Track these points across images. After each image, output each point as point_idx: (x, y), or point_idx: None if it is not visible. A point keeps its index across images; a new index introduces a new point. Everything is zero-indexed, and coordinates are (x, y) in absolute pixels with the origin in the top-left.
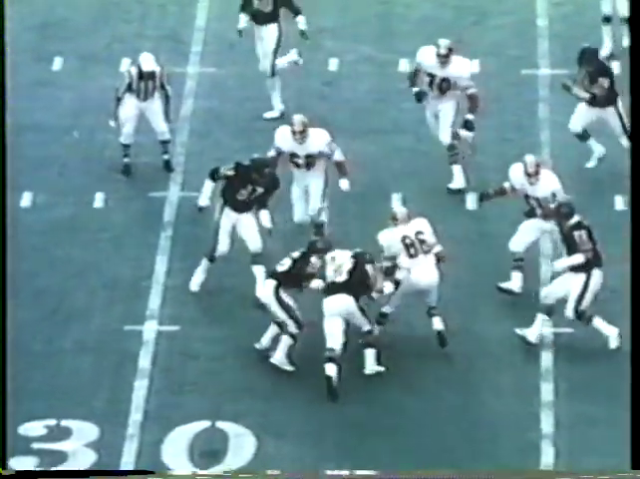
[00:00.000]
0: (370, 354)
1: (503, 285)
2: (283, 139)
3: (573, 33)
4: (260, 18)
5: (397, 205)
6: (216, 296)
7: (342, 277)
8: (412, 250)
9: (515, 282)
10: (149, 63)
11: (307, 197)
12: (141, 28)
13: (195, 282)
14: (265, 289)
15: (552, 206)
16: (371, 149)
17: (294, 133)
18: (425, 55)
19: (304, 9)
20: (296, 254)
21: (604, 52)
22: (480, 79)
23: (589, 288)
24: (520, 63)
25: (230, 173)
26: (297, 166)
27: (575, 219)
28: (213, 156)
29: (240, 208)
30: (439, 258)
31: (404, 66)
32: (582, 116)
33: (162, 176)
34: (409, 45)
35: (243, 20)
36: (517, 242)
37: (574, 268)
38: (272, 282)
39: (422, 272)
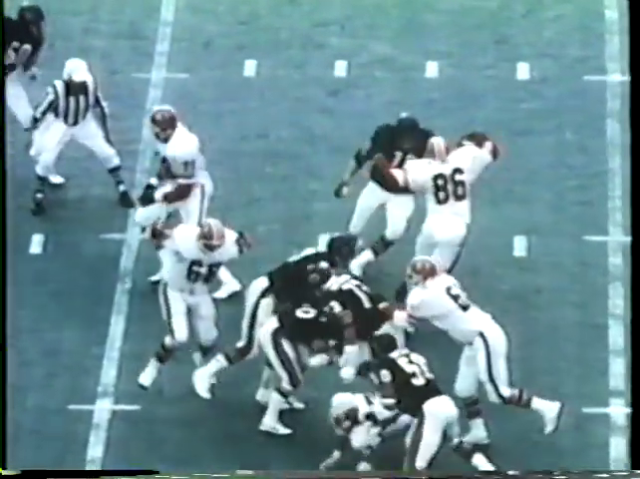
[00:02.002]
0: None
1: None
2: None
3: None
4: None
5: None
6: (186, 367)
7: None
8: (441, 195)
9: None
10: (79, 72)
11: None
12: (91, 22)
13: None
14: (264, 328)
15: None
16: None
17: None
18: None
19: None
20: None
21: None
22: (533, 87)
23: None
24: (584, 67)
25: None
26: None
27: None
28: None
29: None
30: None
31: (432, 71)
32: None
33: (119, 212)
34: (439, 43)
35: None
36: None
37: None
38: (274, 324)
39: (444, 225)
